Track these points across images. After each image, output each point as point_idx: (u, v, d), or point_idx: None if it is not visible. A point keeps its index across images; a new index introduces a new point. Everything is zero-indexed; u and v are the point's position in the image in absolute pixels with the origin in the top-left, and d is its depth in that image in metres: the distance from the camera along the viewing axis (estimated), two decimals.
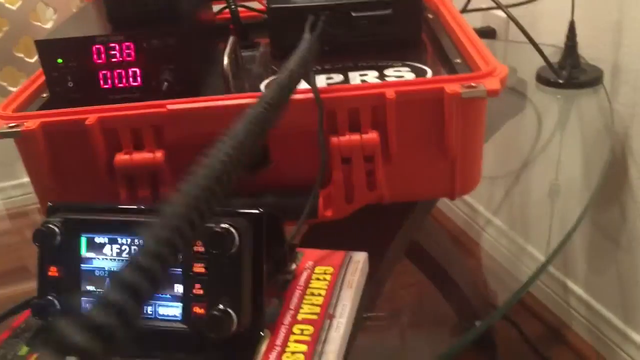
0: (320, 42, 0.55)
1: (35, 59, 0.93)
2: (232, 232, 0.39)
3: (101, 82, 0.58)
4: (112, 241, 0.41)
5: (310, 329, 0.41)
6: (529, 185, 0.93)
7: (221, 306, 0.38)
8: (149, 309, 0.40)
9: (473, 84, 0.51)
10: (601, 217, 1.03)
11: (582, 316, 1.12)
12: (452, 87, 0.51)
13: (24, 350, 0.41)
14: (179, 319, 0.40)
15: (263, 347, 0.40)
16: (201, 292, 0.39)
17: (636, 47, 0.88)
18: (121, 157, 0.53)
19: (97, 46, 0.57)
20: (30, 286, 0.43)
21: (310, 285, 0.45)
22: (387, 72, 0.59)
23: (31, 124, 0.52)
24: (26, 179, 0.57)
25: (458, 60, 0.59)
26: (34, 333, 0.42)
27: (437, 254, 0.89)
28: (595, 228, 1.05)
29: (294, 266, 0.47)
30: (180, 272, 0.40)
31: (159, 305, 0.40)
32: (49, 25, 0.96)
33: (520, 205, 1.11)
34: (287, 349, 0.39)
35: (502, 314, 0.50)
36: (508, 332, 1.16)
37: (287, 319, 0.42)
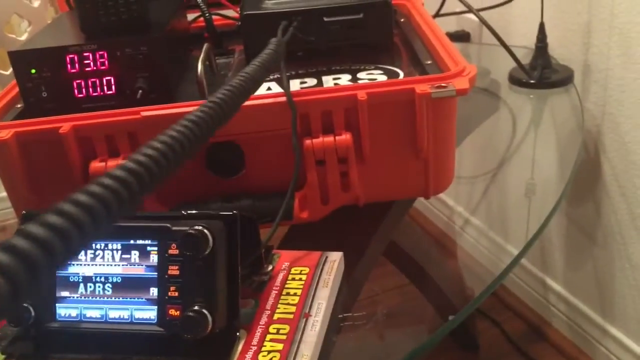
0: (287, 44, 0.55)
1: (10, 71, 0.92)
2: (205, 234, 0.39)
3: (75, 91, 0.58)
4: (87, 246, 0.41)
5: (286, 328, 0.41)
6: (505, 185, 0.95)
7: (196, 307, 0.39)
8: (125, 314, 0.41)
9: (443, 84, 0.52)
10: (576, 214, 1.05)
11: (562, 313, 1.13)
12: (422, 88, 0.52)
13: (0, 358, 0.41)
14: (154, 321, 0.40)
15: (239, 347, 0.40)
16: (176, 294, 0.40)
17: (605, 47, 0.90)
18: (96, 165, 0.53)
19: (70, 56, 0.57)
20: None
21: (287, 286, 0.46)
22: (360, 75, 0.60)
23: (4, 134, 0.52)
24: (4, 194, 0.57)
25: (429, 62, 0.60)
26: (9, 341, 0.42)
27: (415, 253, 0.90)
28: (571, 225, 1.06)
29: (270, 267, 0.48)
30: (155, 276, 0.40)
31: (135, 310, 0.41)
32: (23, 37, 0.96)
33: (498, 205, 1.12)
34: (264, 349, 0.40)
35: (475, 306, 0.51)
36: (490, 332, 1.17)
37: (264, 319, 0.42)
